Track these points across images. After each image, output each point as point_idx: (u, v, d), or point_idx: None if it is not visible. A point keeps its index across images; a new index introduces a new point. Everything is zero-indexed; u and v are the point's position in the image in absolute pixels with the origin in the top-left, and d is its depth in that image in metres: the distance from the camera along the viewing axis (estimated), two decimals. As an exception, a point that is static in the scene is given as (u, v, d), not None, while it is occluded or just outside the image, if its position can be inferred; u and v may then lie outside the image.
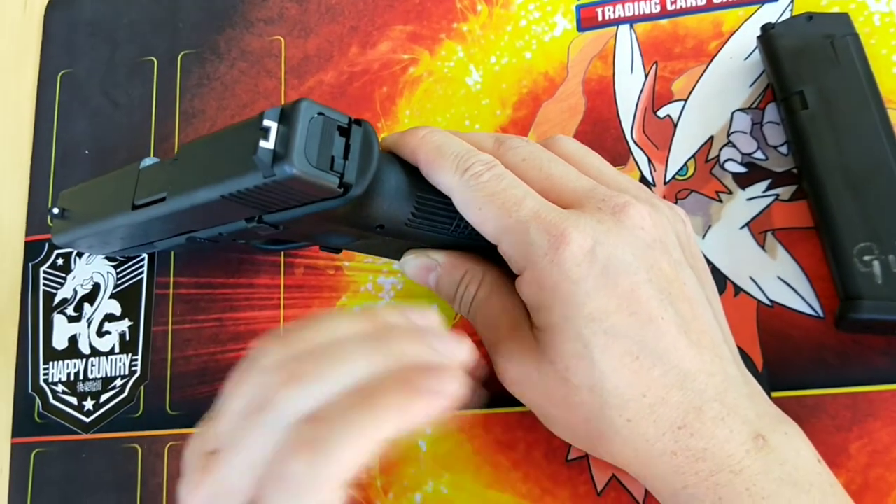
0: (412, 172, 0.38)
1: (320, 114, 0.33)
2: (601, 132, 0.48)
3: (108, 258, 0.54)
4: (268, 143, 0.32)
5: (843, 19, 0.44)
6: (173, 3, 0.58)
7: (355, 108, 0.53)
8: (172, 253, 0.53)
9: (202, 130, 0.55)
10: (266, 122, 0.32)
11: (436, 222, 0.39)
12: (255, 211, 0.37)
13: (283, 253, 0.51)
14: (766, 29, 0.45)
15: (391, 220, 0.37)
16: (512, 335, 0.38)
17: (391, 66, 0.53)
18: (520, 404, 0.46)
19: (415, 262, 0.41)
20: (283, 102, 0.53)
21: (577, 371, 0.35)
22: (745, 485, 0.33)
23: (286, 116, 0.32)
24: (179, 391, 0.51)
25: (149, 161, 0.42)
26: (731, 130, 0.47)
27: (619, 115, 0.49)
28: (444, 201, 0.38)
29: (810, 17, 0.45)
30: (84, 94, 0.58)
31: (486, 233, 0.37)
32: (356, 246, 0.41)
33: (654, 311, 0.34)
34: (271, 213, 0.37)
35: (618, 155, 0.48)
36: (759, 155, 0.46)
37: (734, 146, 0.46)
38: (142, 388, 0.51)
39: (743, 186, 0.46)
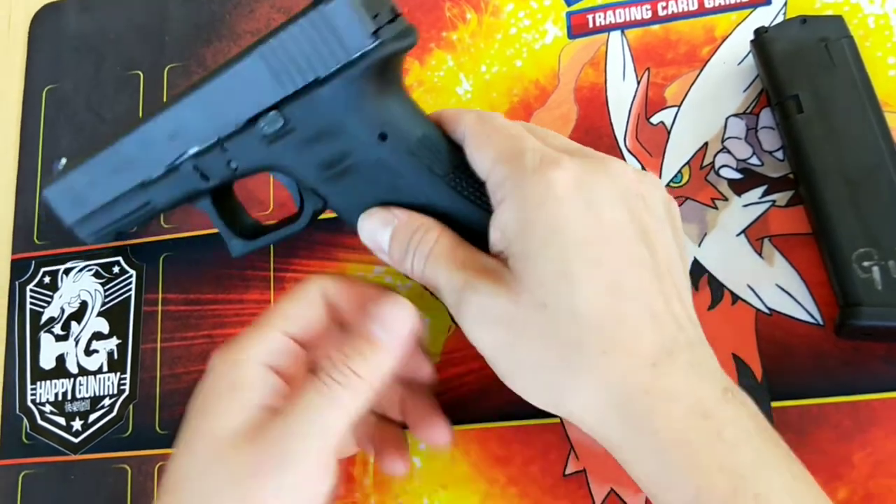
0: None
1: None
2: (594, 140, 0.48)
3: (97, 275, 0.53)
4: None
5: (837, 22, 0.44)
6: (159, 17, 0.58)
7: (344, 119, 0.52)
8: (161, 269, 0.52)
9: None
10: None
11: (437, 161, 0.38)
12: (276, 88, 0.38)
13: (272, 268, 0.50)
14: (760, 33, 0.45)
15: (397, 130, 0.38)
16: (482, 273, 0.36)
17: (380, 76, 0.52)
18: (516, 418, 0.45)
19: (372, 217, 0.40)
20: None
21: (559, 294, 0.33)
22: (717, 429, 0.32)
23: None
24: (169, 410, 0.50)
25: None
26: (726, 136, 0.46)
27: (611, 123, 0.48)
28: (454, 147, 0.39)
29: (804, 20, 0.44)
30: (70, 109, 0.57)
31: (485, 160, 0.37)
32: (328, 182, 0.40)
33: (634, 250, 0.34)
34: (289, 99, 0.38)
35: (611, 163, 0.47)
36: (754, 161, 0.45)
37: (729, 152, 0.46)
38: (131, 407, 0.50)
39: (738, 193, 0.45)
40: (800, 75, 0.43)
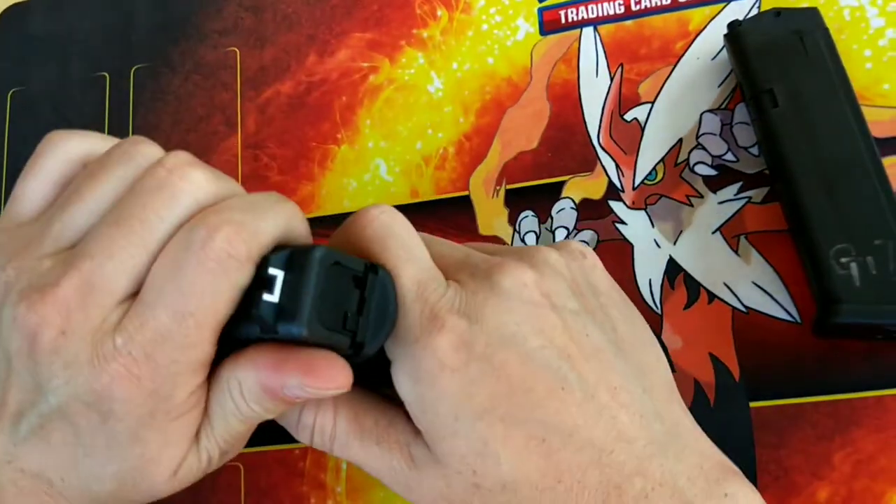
0: None
1: (336, 263, 0.28)
2: (567, 137, 0.47)
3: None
4: (272, 296, 0.27)
5: (812, 14, 0.43)
6: (126, 17, 0.56)
7: (314, 118, 0.51)
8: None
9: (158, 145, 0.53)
10: (272, 270, 0.27)
11: None
12: None
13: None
14: (733, 26, 0.44)
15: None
16: (403, 451, 0.32)
17: (350, 74, 0.51)
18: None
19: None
20: (239, 116, 0.52)
21: (485, 473, 0.29)
22: None
23: (295, 264, 0.27)
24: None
25: None
26: (701, 132, 0.45)
27: (584, 120, 0.47)
28: None
29: (778, 13, 0.43)
30: (35, 111, 0.56)
31: None
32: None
33: (552, 382, 0.30)
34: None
35: (584, 161, 0.46)
36: (729, 157, 0.45)
37: (704, 149, 0.45)
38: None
39: (714, 190, 0.44)
40: (774, 69, 0.42)
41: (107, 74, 0.56)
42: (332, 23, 0.52)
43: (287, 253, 0.28)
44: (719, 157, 0.45)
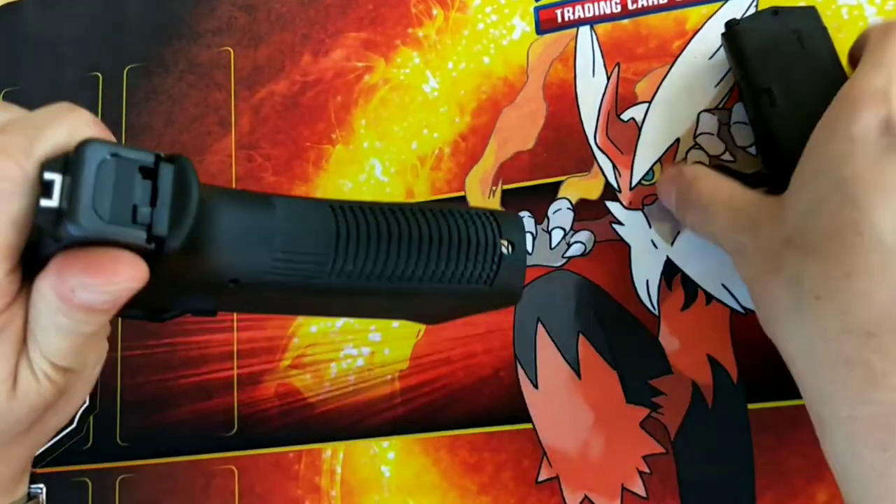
0: (264, 206, 0.31)
1: (114, 155, 0.27)
2: (563, 137, 0.47)
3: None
4: (51, 201, 0.26)
5: (810, 13, 0.43)
6: (119, 16, 0.56)
7: (308, 118, 0.50)
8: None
9: (150, 145, 0.52)
10: (47, 175, 0.26)
11: (306, 265, 0.31)
12: None
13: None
14: (731, 25, 0.44)
15: (246, 271, 0.30)
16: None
17: (345, 74, 0.51)
18: (487, 424, 0.44)
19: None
20: (233, 116, 0.52)
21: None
22: None
23: (71, 165, 0.27)
24: (130, 421, 0.48)
25: None
26: (698, 132, 0.45)
27: (581, 120, 0.47)
28: (313, 240, 0.31)
29: (776, 11, 0.43)
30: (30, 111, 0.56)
31: None
32: (219, 305, 0.35)
33: None
34: None
35: (581, 161, 0.46)
36: (727, 157, 0.44)
37: (701, 149, 0.45)
38: (90, 418, 0.49)
39: (712, 190, 0.44)
40: (772, 68, 0.42)
41: (100, 74, 0.55)
42: (326, 22, 0.52)
43: (63, 157, 0.27)
44: (717, 157, 0.44)
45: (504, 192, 0.47)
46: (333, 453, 0.45)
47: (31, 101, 0.55)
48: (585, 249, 0.45)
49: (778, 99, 0.41)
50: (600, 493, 0.42)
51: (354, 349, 0.47)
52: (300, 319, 0.47)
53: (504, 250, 0.34)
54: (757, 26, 0.43)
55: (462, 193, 0.47)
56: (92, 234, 0.26)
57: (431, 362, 0.45)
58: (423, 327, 0.46)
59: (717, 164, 0.44)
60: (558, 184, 0.46)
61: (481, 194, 0.47)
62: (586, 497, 0.42)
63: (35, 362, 0.30)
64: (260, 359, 0.48)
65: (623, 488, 0.42)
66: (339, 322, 0.47)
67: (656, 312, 0.43)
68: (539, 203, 0.46)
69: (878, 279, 0.29)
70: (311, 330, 0.47)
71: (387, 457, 0.45)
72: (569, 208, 0.46)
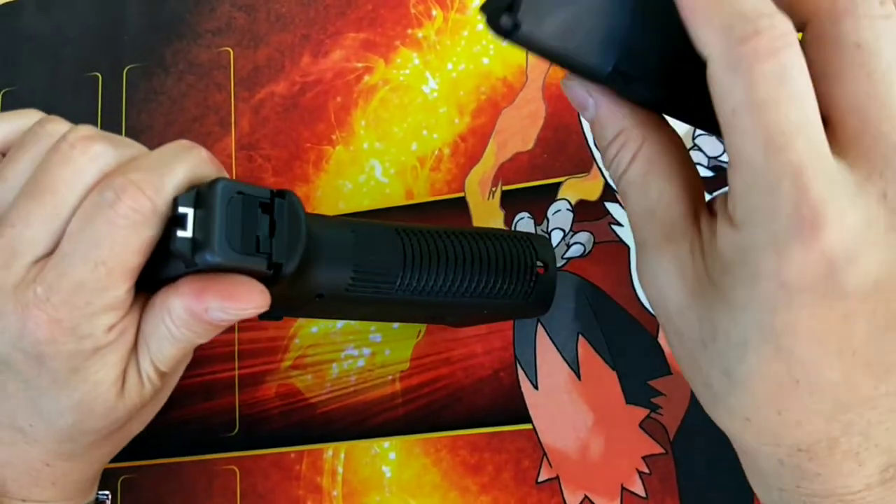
0: (346, 232, 0.36)
1: (239, 193, 0.31)
2: (563, 139, 0.47)
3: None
4: (186, 232, 0.30)
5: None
6: (118, 16, 0.56)
7: (308, 119, 0.51)
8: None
9: (150, 146, 0.52)
10: (182, 209, 0.30)
11: (378, 283, 0.37)
12: None
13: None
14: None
15: (330, 287, 0.35)
16: (664, 246, 0.29)
17: (345, 75, 0.51)
18: (487, 424, 0.44)
19: (569, 90, 0.31)
20: (233, 117, 0.52)
21: (755, 347, 0.27)
22: None
23: (203, 200, 0.30)
24: (132, 421, 0.48)
25: None
26: (697, 133, 0.45)
27: (580, 121, 0.47)
28: (385, 261, 0.37)
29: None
30: (27, 112, 0.56)
31: (729, 143, 0.26)
32: (299, 314, 0.40)
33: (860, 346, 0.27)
34: None
35: (581, 161, 0.46)
36: (725, 158, 0.44)
37: (700, 150, 0.45)
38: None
39: (711, 191, 0.44)
40: None
41: (99, 75, 0.55)
42: (326, 22, 0.52)
43: (194, 191, 0.31)
44: (716, 158, 0.45)
45: (504, 192, 0.47)
46: (335, 453, 0.46)
47: (29, 101, 0.55)
48: (585, 250, 0.45)
49: None
50: (600, 493, 0.42)
51: (355, 350, 0.47)
52: (301, 320, 0.48)
53: (539, 270, 0.39)
54: None
55: (462, 194, 0.48)
56: (225, 262, 0.30)
57: (432, 363, 0.46)
58: (423, 328, 0.46)
59: (715, 166, 0.44)
60: (558, 185, 0.47)
61: (481, 195, 0.47)
62: (586, 497, 0.42)
63: (143, 367, 0.34)
64: (261, 359, 0.48)
65: (623, 488, 0.42)
66: (340, 323, 0.47)
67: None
68: (539, 204, 0.47)
69: (815, 414, 0.28)
70: (311, 331, 0.47)
71: (388, 457, 0.45)
72: (568, 209, 0.46)
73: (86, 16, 0.57)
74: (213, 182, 0.31)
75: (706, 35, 0.26)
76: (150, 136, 0.53)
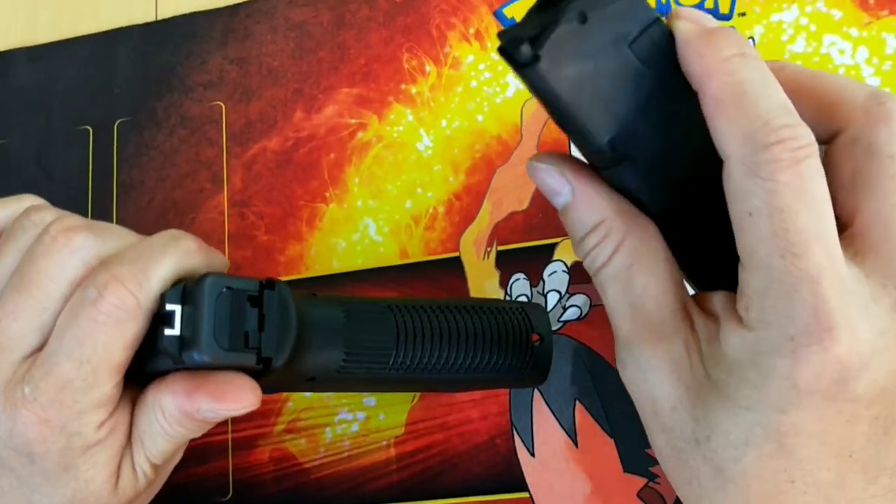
0: (337, 312, 0.35)
1: (228, 287, 0.30)
2: (559, 199, 0.46)
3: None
4: (173, 330, 0.30)
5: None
6: (109, 68, 0.55)
7: (302, 176, 0.50)
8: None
9: (141, 202, 0.52)
10: (169, 307, 0.30)
11: (370, 363, 0.36)
12: None
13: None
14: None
15: (321, 371, 0.35)
16: (656, 343, 0.29)
17: (338, 131, 0.50)
18: (482, 492, 0.44)
19: (539, 174, 0.31)
20: (225, 173, 0.51)
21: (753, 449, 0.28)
22: None
23: (190, 296, 0.30)
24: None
25: None
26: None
27: (576, 181, 0.46)
28: (377, 340, 0.36)
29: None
30: (18, 165, 0.55)
31: (742, 243, 0.27)
32: (290, 391, 0.40)
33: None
34: None
35: (577, 223, 0.46)
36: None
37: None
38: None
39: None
40: None
41: (90, 128, 0.54)
42: (319, 77, 0.52)
43: (181, 287, 0.30)
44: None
45: (499, 253, 0.47)
46: (329, 520, 0.45)
47: (21, 154, 0.55)
48: (581, 313, 0.45)
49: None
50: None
51: (349, 414, 0.46)
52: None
53: (535, 342, 0.39)
54: None
55: (457, 254, 0.47)
56: (213, 361, 0.30)
57: (427, 428, 0.45)
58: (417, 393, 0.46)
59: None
60: (553, 245, 0.46)
61: (476, 255, 0.47)
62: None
63: (137, 462, 0.34)
64: (254, 422, 0.47)
65: (621, 561, 0.42)
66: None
67: (653, 379, 0.43)
68: (534, 265, 0.46)
69: None
70: (305, 394, 0.47)
71: (382, 522, 0.44)
72: (564, 271, 0.46)
73: (76, 68, 0.56)
74: (202, 278, 0.30)
75: (730, 134, 0.26)
76: (142, 191, 0.52)
